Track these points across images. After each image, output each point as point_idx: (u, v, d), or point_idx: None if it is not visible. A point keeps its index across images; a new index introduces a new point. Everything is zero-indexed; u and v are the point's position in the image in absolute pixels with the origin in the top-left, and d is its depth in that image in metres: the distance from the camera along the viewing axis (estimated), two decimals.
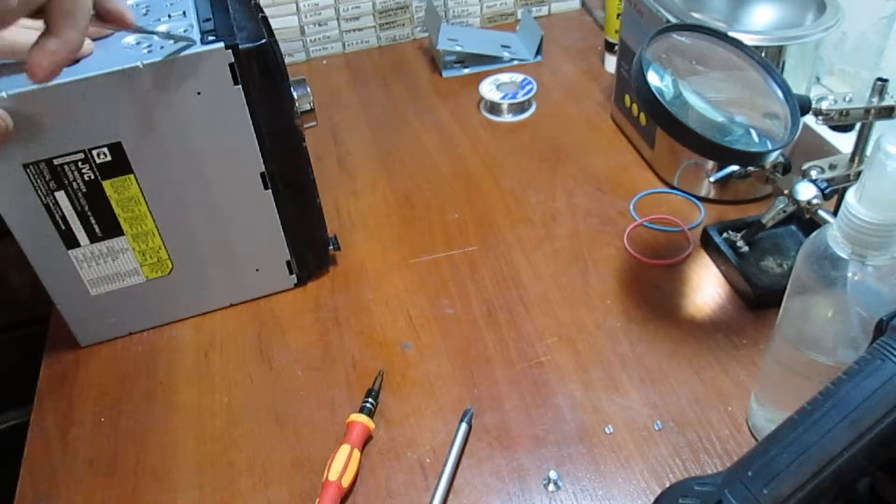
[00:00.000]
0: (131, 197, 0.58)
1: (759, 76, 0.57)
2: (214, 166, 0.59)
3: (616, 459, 0.54)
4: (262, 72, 0.56)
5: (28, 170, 0.54)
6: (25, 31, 0.52)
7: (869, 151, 0.61)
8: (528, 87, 0.92)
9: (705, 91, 0.57)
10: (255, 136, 0.59)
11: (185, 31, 0.56)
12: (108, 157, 0.56)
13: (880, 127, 0.56)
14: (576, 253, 0.71)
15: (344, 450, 0.54)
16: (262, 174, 0.61)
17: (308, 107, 0.62)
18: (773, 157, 0.54)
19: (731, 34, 0.58)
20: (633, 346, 0.62)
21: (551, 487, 0.53)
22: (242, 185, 0.61)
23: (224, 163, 0.59)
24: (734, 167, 0.72)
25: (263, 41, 0.55)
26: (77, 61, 0.53)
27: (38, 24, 0.53)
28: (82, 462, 0.57)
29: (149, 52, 0.54)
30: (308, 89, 0.62)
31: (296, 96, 0.60)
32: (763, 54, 0.58)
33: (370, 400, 0.58)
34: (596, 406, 0.58)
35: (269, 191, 0.62)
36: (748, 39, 0.60)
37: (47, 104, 0.52)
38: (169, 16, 0.58)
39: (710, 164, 0.74)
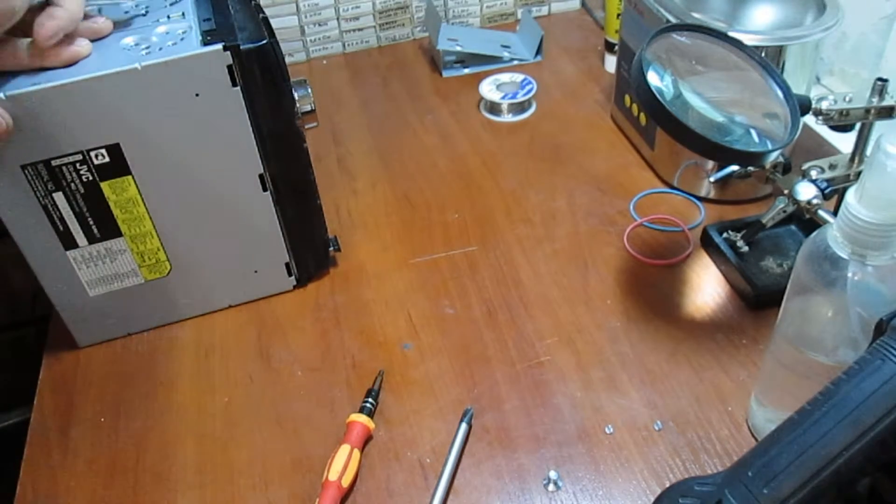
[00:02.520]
0: (129, 198, 0.58)
1: (759, 76, 0.57)
2: (213, 168, 0.59)
3: (616, 459, 0.54)
4: (263, 72, 0.56)
5: (26, 171, 0.54)
6: (28, 41, 0.52)
7: (869, 151, 0.60)
8: (528, 87, 0.92)
9: (705, 91, 0.57)
10: (253, 137, 0.59)
11: (183, 32, 0.56)
12: (107, 159, 0.56)
13: (880, 127, 0.56)
14: (576, 253, 0.71)
15: (344, 450, 0.54)
16: (260, 176, 0.61)
17: (309, 107, 0.62)
18: (773, 157, 0.54)
19: (731, 34, 0.58)
20: (633, 346, 0.62)
21: (551, 487, 0.53)
22: (241, 187, 0.61)
23: (222, 164, 0.59)
24: (734, 167, 0.72)
25: (264, 42, 0.55)
26: (75, 62, 0.53)
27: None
28: (82, 462, 0.57)
29: (147, 53, 0.54)
30: (309, 90, 0.62)
31: (297, 97, 0.60)
32: (763, 54, 0.58)
33: (370, 400, 0.58)
34: (596, 406, 0.58)
35: (268, 193, 0.62)
36: (748, 39, 0.59)
37: (46, 105, 0.52)
38: (168, 16, 0.58)
39: (710, 164, 0.74)
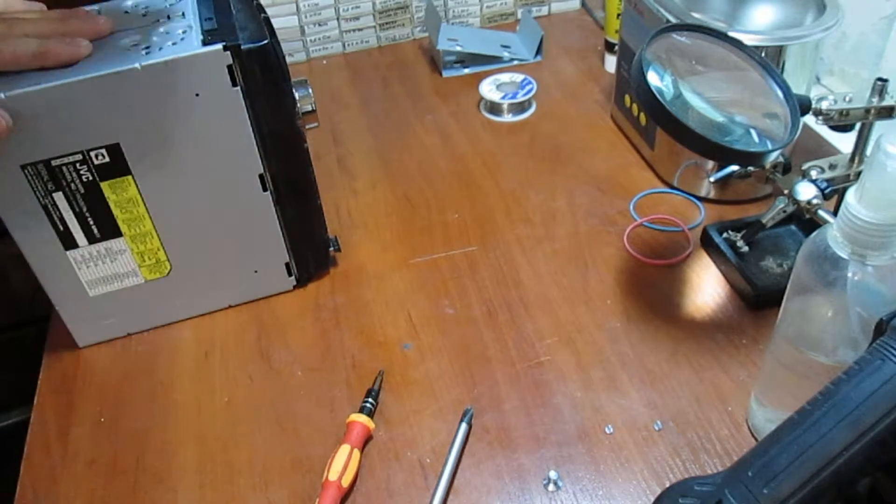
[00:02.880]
0: (129, 198, 0.58)
1: (759, 76, 0.57)
2: (213, 168, 0.59)
3: (616, 459, 0.54)
4: (263, 72, 0.56)
5: (26, 171, 0.54)
6: (27, 41, 0.52)
7: (869, 151, 0.60)
8: (528, 87, 0.92)
9: (705, 91, 0.57)
10: (253, 137, 0.59)
11: (183, 31, 0.56)
12: (107, 159, 0.56)
13: (880, 127, 0.56)
14: (576, 253, 0.71)
15: (344, 450, 0.54)
16: (260, 176, 0.61)
17: (310, 108, 0.62)
18: (773, 157, 0.54)
19: (731, 34, 0.58)
20: (633, 346, 0.62)
21: (551, 487, 0.53)
22: (241, 187, 0.61)
23: (222, 164, 0.59)
24: (734, 167, 0.72)
25: (265, 42, 0.55)
26: (75, 63, 0.53)
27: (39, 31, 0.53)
28: (82, 462, 0.57)
29: (147, 53, 0.54)
30: (310, 90, 0.62)
31: (297, 97, 0.60)
32: (763, 54, 0.58)
33: (370, 400, 0.58)
34: (596, 406, 0.58)
35: (268, 193, 0.62)
36: (748, 39, 0.59)
37: (46, 105, 0.52)
38: (168, 16, 0.58)
39: (710, 164, 0.74)
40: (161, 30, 0.56)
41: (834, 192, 0.59)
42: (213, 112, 0.56)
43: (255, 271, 0.67)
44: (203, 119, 0.56)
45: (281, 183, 0.63)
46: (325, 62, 1.07)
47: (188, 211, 0.61)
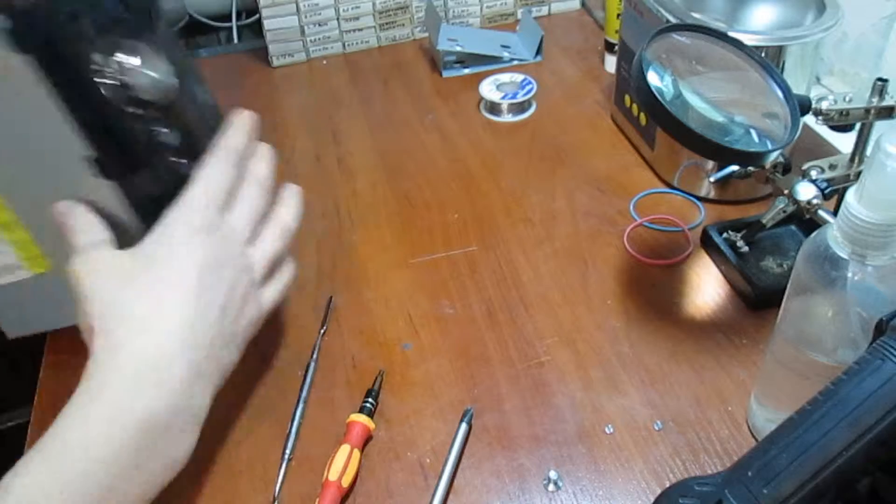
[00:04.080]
0: None
1: (759, 76, 0.57)
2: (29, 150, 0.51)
3: (616, 459, 0.54)
4: (49, 35, 0.45)
5: None
6: None
7: (869, 151, 0.61)
8: (528, 87, 0.92)
9: (705, 91, 0.57)
10: (64, 116, 0.48)
11: None
12: None
13: (880, 127, 0.56)
14: (576, 253, 0.71)
15: (344, 450, 0.54)
16: (87, 158, 0.51)
17: (147, 82, 0.48)
18: (773, 157, 0.54)
19: (731, 34, 0.58)
20: (633, 346, 0.62)
21: (551, 487, 0.53)
22: (69, 170, 0.51)
23: (40, 147, 0.51)
24: (734, 167, 0.72)
25: None
26: None
27: None
28: None
29: None
30: (159, 60, 0.49)
31: (122, 64, 0.48)
32: (763, 54, 0.58)
33: (370, 400, 0.58)
34: (596, 406, 0.58)
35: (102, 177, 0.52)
36: (748, 39, 0.60)
37: None
38: None
39: (710, 164, 0.74)
40: None
41: (834, 192, 0.59)
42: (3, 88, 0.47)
43: None
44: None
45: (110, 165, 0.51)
46: (325, 62, 1.07)
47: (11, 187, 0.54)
